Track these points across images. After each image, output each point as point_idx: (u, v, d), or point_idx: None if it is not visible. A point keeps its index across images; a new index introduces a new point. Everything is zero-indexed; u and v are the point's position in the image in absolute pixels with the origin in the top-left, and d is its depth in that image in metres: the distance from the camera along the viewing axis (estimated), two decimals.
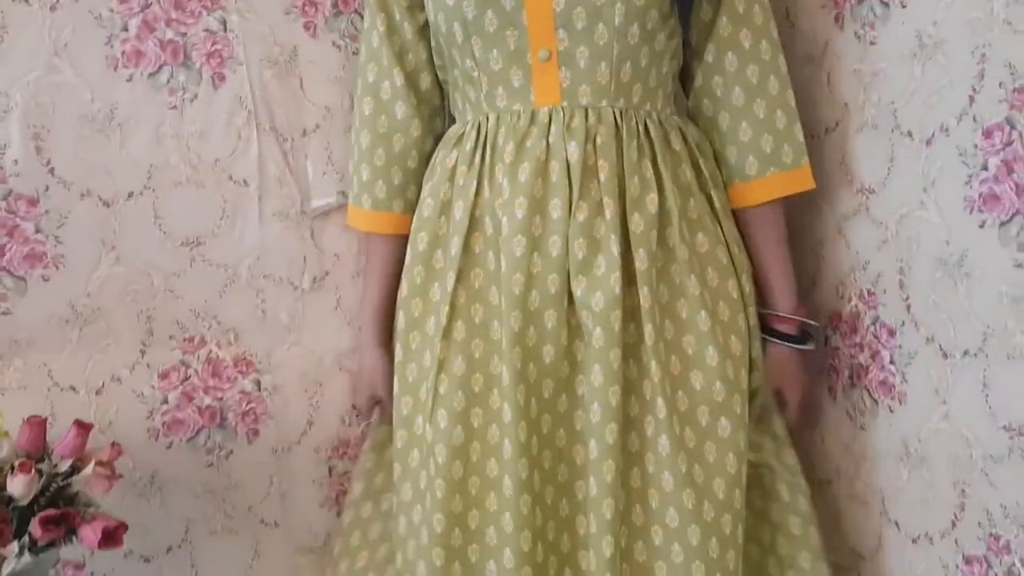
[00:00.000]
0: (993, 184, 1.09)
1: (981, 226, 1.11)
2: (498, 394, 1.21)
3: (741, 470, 1.24)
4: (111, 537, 1.07)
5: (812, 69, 1.40)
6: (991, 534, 1.14)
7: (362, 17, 1.41)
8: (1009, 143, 1.07)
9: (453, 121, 1.36)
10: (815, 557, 1.32)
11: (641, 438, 1.23)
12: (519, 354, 1.20)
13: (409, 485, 1.27)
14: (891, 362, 1.28)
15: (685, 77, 1.36)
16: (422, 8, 1.31)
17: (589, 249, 1.20)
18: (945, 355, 1.18)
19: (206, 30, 1.39)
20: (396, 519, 1.30)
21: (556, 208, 1.20)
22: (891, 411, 1.29)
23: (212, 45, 1.40)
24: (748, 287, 1.31)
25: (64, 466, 1.09)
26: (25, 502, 1.04)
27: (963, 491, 1.18)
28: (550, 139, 1.22)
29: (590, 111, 1.23)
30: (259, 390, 1.46)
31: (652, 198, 1.22)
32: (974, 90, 1.11)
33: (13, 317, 1.32)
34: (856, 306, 1.34)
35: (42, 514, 1.02)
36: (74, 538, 1.11)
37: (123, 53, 1.35)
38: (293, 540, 1.51)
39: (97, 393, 1.37)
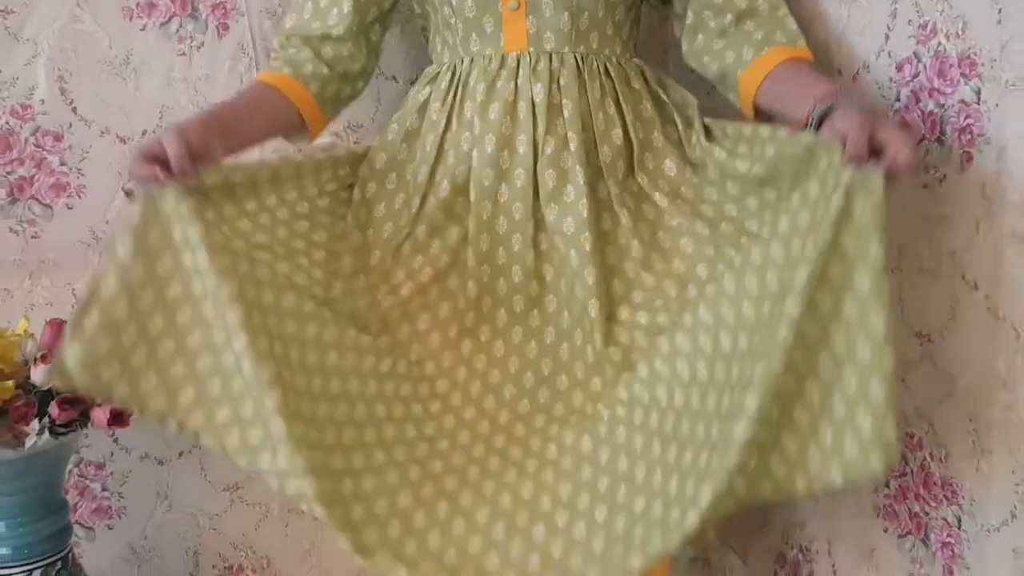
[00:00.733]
0: (904, 113, 1.21)
1: None
2: (465, 304, 1.33)
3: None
4: (119, 417, 1.22)
5: None
6: (908, 433, 1.26)
7: None
8: (916, 75, 1.18)
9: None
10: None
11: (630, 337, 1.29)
12: (487, 271, 1.32)
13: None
14: None
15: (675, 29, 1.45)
16: None
17: (558, 179, 1.31)
18: None
19: None
20: None
21: (522, 144, 1.32)
22: None
23: None
24: None
25: None
26: (46, 388, 1.20)
27: None
28: (518, 82, 1.34)
29: (554, 56, 1.35)
30: None
31: (617, 132, 1.34)
32: (888, 28, 1.22)
33: (41, 240, 1.49)
34: None
35: (59, 397, 1.18)
36: (88, 427, 1.27)
37: (137, 4, 1.50)
38: None
39: None
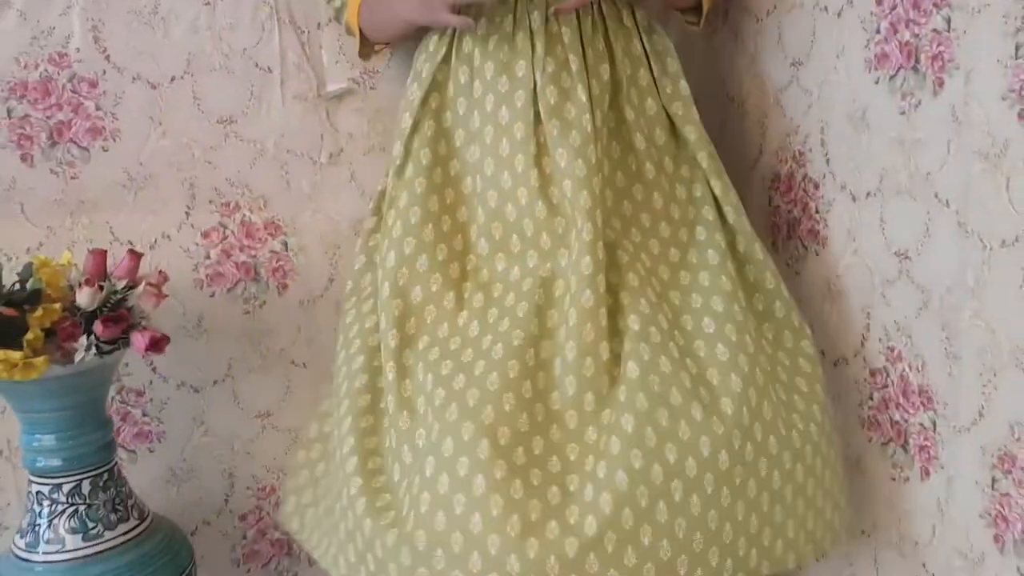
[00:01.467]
0: (884, 44, 1.28)
1: (876, 83, 1.30)
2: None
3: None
4: (156, 344, 1.33)
5: None
6: (889, 347, 1.35)
7: None
8: (894, 7, 1.25)
9: None
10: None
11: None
12: (494, 196, 1.39)
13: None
14: (816, 211, 1.48)
15: None
16: None
17: (559, 96, 1.37)
18: (853, 198, 1.38)
19: None
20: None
21: (520, 68, 1.39)
22: (817, 255, 1.49)
23: None
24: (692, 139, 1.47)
25: (121, 285, 1.36)
26: (90, 309, 1.31)
27: (868, 314, 1.39)
28: (516, 14, 1.42)
29: None
30: (287, 250, 1.71)
31: (604, 67, 1.42)
32: None
33: (79, 182, 1.59)
34: (791, 166, 1.54)
35: (104, 316, 1.29)
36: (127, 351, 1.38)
37: None
38: (319, 379, 1.73)
39: (151, 248, 1.62)
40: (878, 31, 1.29)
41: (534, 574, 1.12)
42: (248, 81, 1.64)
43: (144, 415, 1.69)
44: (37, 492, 1.41)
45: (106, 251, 1.39)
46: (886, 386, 1.36)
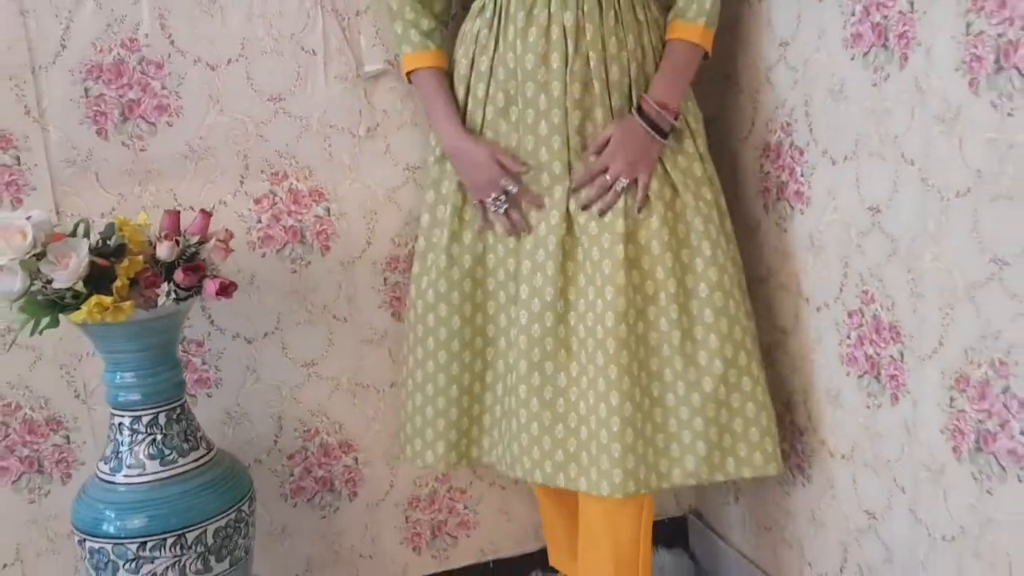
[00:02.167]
0: (859, 25, 1.47)
1: (852, 59, 1.49)
2: None
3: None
4: (225, 289, 1.53)
5: None
6: (863, 290, 1.54)
7: None
8: None
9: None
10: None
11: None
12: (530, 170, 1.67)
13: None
14: (801, 175, 1.67)
15: None
16: None
17: (582, 91, 1.63)
18: (833, 162, 1.57)
19: None
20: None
21: (555, 61, 1.62)
22: (802, 213, 1.69)
23: None
24: (693, 123, 1.70)
25: (194, 240, 1.56)
26: (169, 261, 1.51)
27: (845, 263, 1.58)
28: (551, 9, 1.62)
29: None
30: (329, 215, 1.91)
31: (624, 54, 1.64)
32: None
33: (148, 153, 1.78)
34: (779, 136, 1.73)
35: (184, 265, 1.49)
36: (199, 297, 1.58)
37: None
38: (358, 333, 1.97)
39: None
40: (853, 13, 1.47)
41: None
42: (295, 63, 1.83)
43: (203, 363, 1.89)
44: (119, 423, 1.61)
45: (179, 211, 1.59)
46: (861, 325, 1.55)
